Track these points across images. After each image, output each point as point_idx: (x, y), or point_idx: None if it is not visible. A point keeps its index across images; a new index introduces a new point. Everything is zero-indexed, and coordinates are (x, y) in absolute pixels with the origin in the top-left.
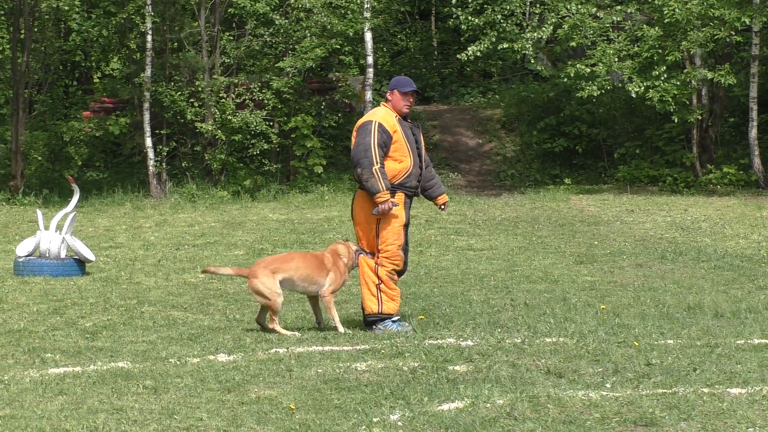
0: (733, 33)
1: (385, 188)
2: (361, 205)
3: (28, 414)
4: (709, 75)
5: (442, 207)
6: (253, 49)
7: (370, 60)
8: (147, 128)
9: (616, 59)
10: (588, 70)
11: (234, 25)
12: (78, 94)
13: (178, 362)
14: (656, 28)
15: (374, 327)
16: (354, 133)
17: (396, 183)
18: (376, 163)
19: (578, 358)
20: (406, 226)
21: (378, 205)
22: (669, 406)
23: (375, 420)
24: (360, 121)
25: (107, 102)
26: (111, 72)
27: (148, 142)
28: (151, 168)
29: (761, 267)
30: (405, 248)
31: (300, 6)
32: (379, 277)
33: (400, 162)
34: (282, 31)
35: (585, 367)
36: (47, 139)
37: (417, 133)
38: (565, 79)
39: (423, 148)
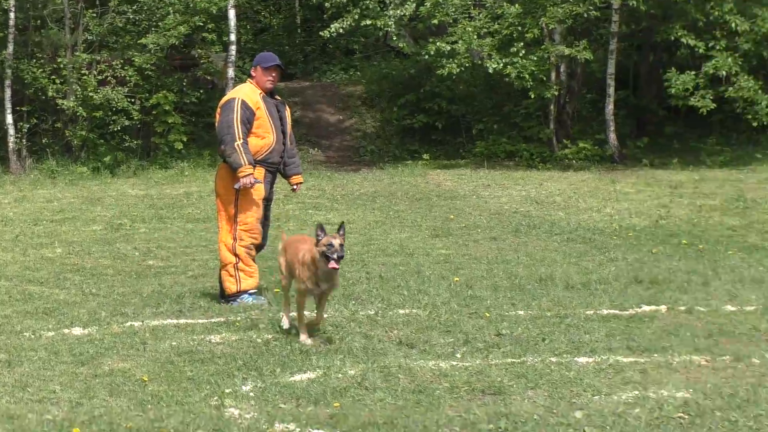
0: (592, 9)
1: (247, 163)
2: (223, 179)
3: None
4: (567, 51)
5: (295, 187)
6: (116, 26)
7: (233, 37)
8: (8, 105)
9: (476, 36)
10: (448, 47)
11: (97, 2)
12: None
13: (33, 336)
14: (516, 5)
15: (231, 301)
16: (218, 110)
17: (258, 159)
18: (239, 138)
19: (430, 329)
20: (268, 200)
21: (240, 180)
22: (517, 375)
23: (227, 391)
24: (224, 99)
25: None
26: None
27: (9, 119)
28: (11, 144)
29: (612, 239)
30: (265, 223)
31: None
32: (237, 256)
33: (263, 138)
34: (145, 8)
35: (436, 338)
36: None
37: (282, 110)
38: (426, 57)
39: (288, 125)
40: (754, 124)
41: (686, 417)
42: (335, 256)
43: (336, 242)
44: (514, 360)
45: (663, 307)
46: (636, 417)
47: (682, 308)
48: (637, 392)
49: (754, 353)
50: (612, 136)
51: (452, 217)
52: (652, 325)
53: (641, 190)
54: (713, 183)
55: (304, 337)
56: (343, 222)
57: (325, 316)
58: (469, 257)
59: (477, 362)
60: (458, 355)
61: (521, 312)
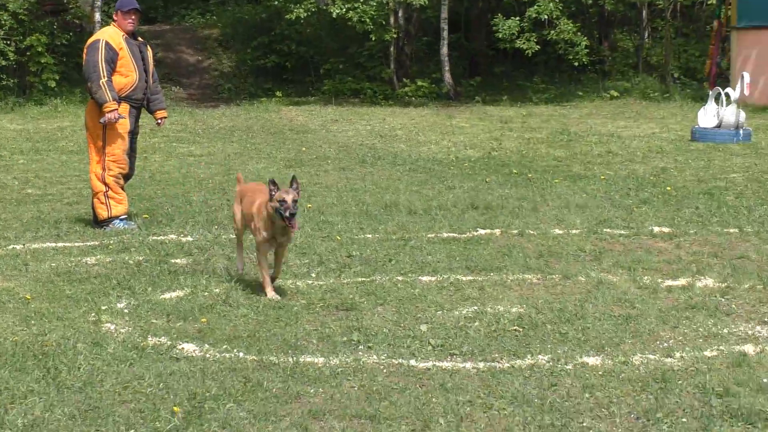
0: None
1: (111, 99)
2: (91, 114)
3: None
4: None
5: (159, 121)
6: None
7: None
8: None
9: None
10: None
11: None
12: None
13: None
14: None
15: (104, 226)
16: (84, 51)
17: (122, 95)
18: (104, 77)
19: (287, 251)
20: (133, 133)
21: (105, 115)
22: (367, 292)
23: (104, 308)
24: (89, 40)
25: None
26: None
27: None
28: None
29: (450, 169)
30: (131, 154)
31: None
32: (106, 185)
33: (126, 76)
34: None
35: (293, 259)
36: None
37: (144, 50)
38: (276, 2)
39: (151, 64)
40: (575, 63)
41: (520, 330)
42: (287, 213)
43: (289, 198)
44: (364, 279)
45: (497, 231)
46: (475, 330)
47: (515, 231)
48: (475, 308)
49: (580, 272)
50: (447, 76)
51: (304, 149)
52: (487, 246)
53: (475, 125)
54: (539, 118)
55: (270, 292)
56: (294, 176)
57: (283, 268)
58: (320, 186)
59: (330, 281)
60: (313, 275)
61: (369, 235)
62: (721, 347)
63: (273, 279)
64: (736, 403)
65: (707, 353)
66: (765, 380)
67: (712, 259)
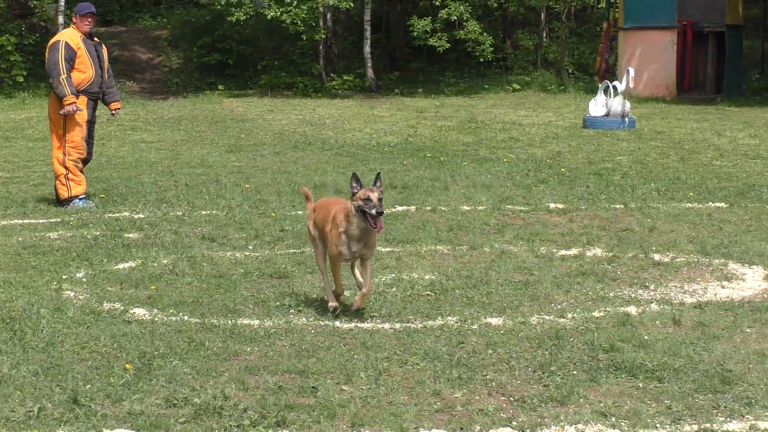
0: None
1: (70, 93)
2: (53, 106)
3: None
4: (331, 1)
5: (114, 112)
6: None
7: None
8: None
9: None
10: None
11: None
12: None
13: None
14: None
15: (65, 205)
16: (47, 51)
17: (80, 89)
18: (63, 73)
19: (227, 226)
20: (90, 122)
21: (65, 107)
22: (298, 262)
23: (64, 277)
24: (51, 41)
25: None
26: None
27: None
28: None
29: (372, 153)
30: (89, 141)
31: None
32: (66, 168)
33: (84, 73)
34: None
35: (232, 233)
36: None
37: (99, 49)
38: (218, 6)
39: (105, 62)
40: (482, 60)
41: (432, 294)
42: (374, 211)
43: (374, 196)
44: (295, 250)
45: (413, 207)
46: (393, 295)
47: (428, 208)
48: (393, 275)
49: (485, 243)
50: (369, 71)
51: (243, 136)
52: (404, 221)
53: (394, 114)
54: (451, 108)
55: (332, 304)
56: (379, 173)
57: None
58: (257, 168)
59: (266, 252)
60: (250, 247)
61: (300, 212)
62: (607, 309)
63: (363, 296)
64: (620, 358)
65: (595, 314)
66: (646, 337)
67: (600, 231)
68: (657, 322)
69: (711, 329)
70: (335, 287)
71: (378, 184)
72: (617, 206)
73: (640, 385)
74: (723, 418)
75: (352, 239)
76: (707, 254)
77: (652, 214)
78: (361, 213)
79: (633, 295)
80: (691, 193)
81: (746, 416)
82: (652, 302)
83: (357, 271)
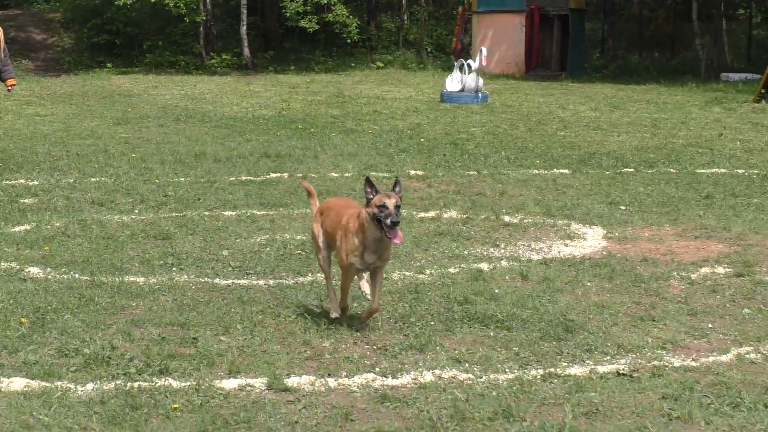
0: None
1: None
2: None
3: None
4: None
5: (10, 88)
6: None
7: None
8: None
9: None
10: None
11: None
12: None
13: None
14: None
15: None
16: None
17: None
18: None
19: (115, 192)
20: None
21: None
22: (180, 224)
23: None
24: None
25: None
26: None
27: None
28: None
29: (248, 125)
30: None
31: None
32: None
33: None
34: None
35: (120, 199)
36: None
37: None
38: None
39: (2, 42)
40: (348, 41)
41: (303, 253)
42: (389, 220)
43: (390, 202)
44: (177, 214)
45: (285, 174)
46: (267, 254)
47: (300, 175)
48: (267, 236)
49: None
50: (246, 50)
51: (130, 110)
52: (278, 187)
53: (268, 90)
54: (320, 84)
55: (335, 310)
56: (398, 178)
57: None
58: (142, 139)
59: (150, 216)
60: (136, 211)
61: (182, 179)
62: (462, 265)
63: (370, 313)
64: (473, 310)
65: (451, 270)
66: (496, 291)
67: (456, 195)
68: (506, 277)
69: (555, 283)
70: (341, 300)
71: (397, 189)
72: (471, 173)
73: (491, 334)
74: (566, 363)
75: (367, 250)
76: (552, 216)
77: (502, 180)
78: (375, 221)
79: (485, 253)
80: (538, 161)
81: (587, 361)
82: (502, 259)
83: (364, 283)
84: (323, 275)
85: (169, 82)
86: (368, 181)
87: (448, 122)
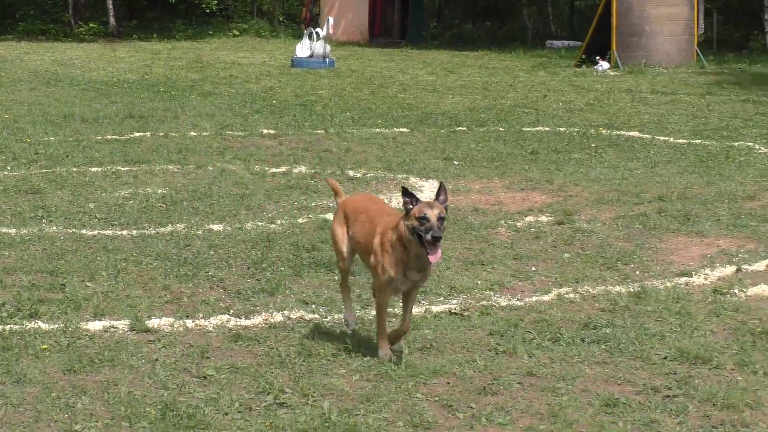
0: None
1: None
2: None
3: None
4: None
5: None
6: None
7: None
8: None
9: None
10: None
11: None
12: None
13: None
14: None
15: None
16: None
17: None
18: None
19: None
20: None
21: None
22: (50, 180)
23: None
24: None
25: None
26: None
27: None
28: None
29: (113, 89)
30: None
31: None
32: None
33: None
34: None
35: None
36: None
37: None
38: None
39: None
40: (207, 10)
41: (164, 206)
42: (429, 236)
43: (433, 214)
44: (47, 170)
45: (148, 134)
46: (130, 206)
47: (161, 134)
48: (131, 190)
49: (209, 163)
50: (112, 20)
51: (3, 74)
52: (141, 145)
53: (133, 56)
54: (181, 51)
55: (383, 351)
56: (442, 183)
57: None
58: (15, 101)
59: (22, 172)
60: (9, 168)
61: (52, 138)
62: (310, 216)
63: (398, 335)
64: (320, 256)
65: (300, 220)
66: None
67: (305, 152)
68: None
69: None
70: (381, 329)
71: (442, 197)
72: (319, 132)
73: (336, 278)
74: None
75: (410, 268)
76: (392, 170)
77: (347, 138)
78: (416, 236)
79: (331, 205)
80: (380, 120)
81: (422, 302)
82: None
83: (350, 308)
84: (339, 292)
85: (40, 48)
86: (405, 191)
87: (298, 85)
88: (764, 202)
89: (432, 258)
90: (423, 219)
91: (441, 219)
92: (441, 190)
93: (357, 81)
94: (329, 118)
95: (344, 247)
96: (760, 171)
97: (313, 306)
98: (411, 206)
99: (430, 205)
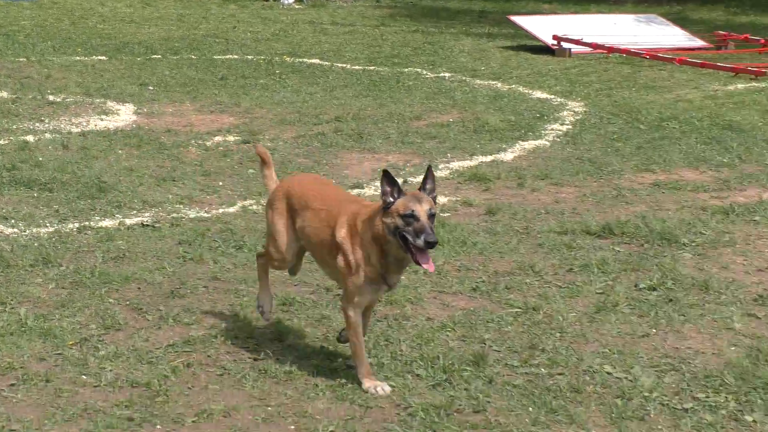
0: None
1: None
2: None
3: None
4: None
5: None
6: None
7: None
8: None
9: None
10: None
11: None
12: None
13: None
14: None
15: None
16: None
17: None
18: None
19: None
20: None
21: None
22: None
23: None
24: None
25: None
26: None
27: None
28: None
29: None
30: None
31: None
32: None
33: None
34: None
35: None
36: None
37: None
38: None
39: None
40: None
41: None
42: (421, 240)
43: (422, 210)
44: None
45: None
46: None
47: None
48: None
49: None
50: None
51: None
52: None
53: None
54: None
55: (368, 383)
56: (430, 166)
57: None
58: None
59: None
60: None
61: None
62: (11, 138)
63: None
64: (20, 175)
65: (1, 142)
66: (40, 159)
67: (7, 78)
68: (50, 147)
69: (91, 152)
70: (359, 351)
71: (428, 186)
72: (21, 59)
73: (35, 195)
74: (98, 218)
75: (389, 271)
76: (91, 95)
77: (48, 65)
78: (400, 238)
79: (31, 127)
80: (80, 49)
81: (116, 216)
82: (46, 132)
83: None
84: (259, 285)
85: None
86: (387, 175)
87: (1, 17)
88: (429, 122)
89: (426, 266)
90: (410, 217)
91: (431, 216)
92: (428, 175)
93: (58, 13)
94: (31, 47)
95: (287, 244)
96: (426, 94)
97: (13, 221)
98: (391, 198)
99: (417, 198)
